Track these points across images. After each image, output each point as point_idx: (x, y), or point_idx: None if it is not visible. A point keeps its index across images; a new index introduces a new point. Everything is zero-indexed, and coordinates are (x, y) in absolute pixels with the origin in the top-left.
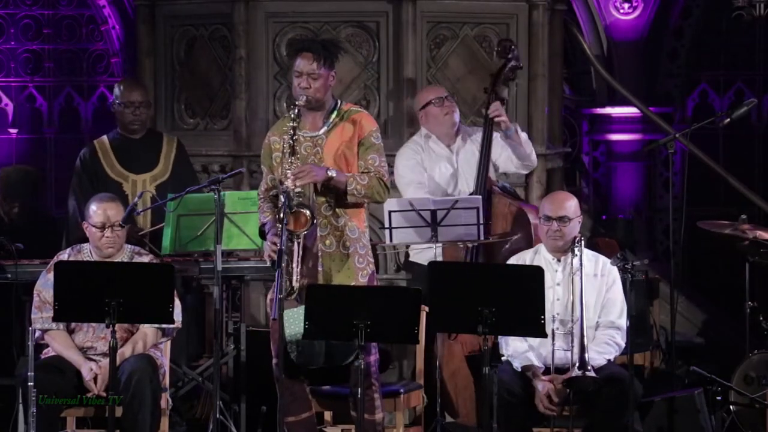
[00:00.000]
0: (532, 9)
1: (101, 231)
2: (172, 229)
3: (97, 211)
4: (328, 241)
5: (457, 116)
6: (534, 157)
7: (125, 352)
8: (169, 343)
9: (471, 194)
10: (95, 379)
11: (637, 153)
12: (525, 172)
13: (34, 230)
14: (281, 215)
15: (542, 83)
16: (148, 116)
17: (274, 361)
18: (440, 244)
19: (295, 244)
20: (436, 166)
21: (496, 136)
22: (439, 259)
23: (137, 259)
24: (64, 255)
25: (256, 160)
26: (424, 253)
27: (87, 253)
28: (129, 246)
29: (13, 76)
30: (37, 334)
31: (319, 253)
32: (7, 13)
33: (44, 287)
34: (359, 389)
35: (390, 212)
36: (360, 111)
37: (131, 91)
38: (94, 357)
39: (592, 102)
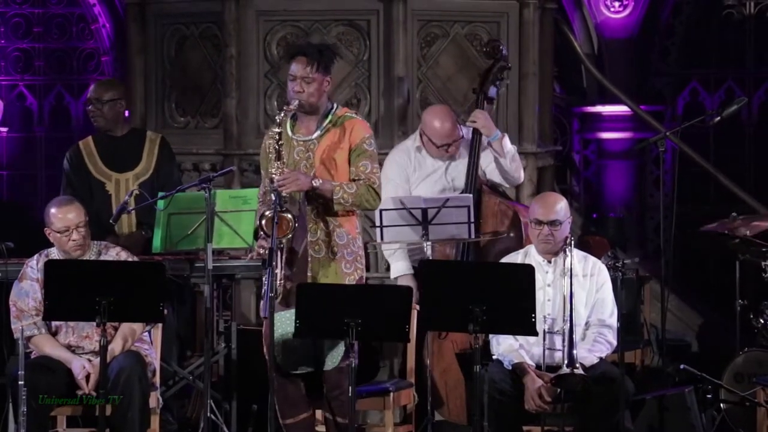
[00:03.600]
0: (522, 7)
1: (66, 235)
2: (163, 227)
3: (57, 215)
4: (317, 247)
5: (457, 155)
6: (518, 174)
7: (114, 348)
8: (159, 341)
9: (461, 193)
10: (87, 377)
11: (628, 151)
12: (506, 185)
13: (8, 223)
14: (263, 216)
15: (533, 81)
16: (114, 114)
17: (268, 365)
18: (428, 243)
19: (277, 248)
20: (423, 179)
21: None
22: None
23: (104, 255)
24: (33, 262)
25: (246, 159)
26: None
27: (54, 257)
28: (95, 243)
29: (3, 74)
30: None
31: (309, 258)
32: None
33: (18, 296)
34: (350, 388)
35: (381, 211)
36: (354, 117)
37: (98, 87)
38: (82, 356)
39: (582, 100)
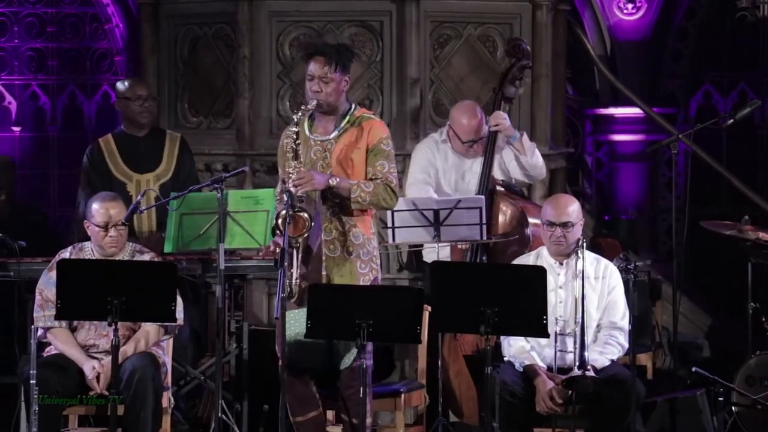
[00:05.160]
0: (535, 9)
1: (105, 230)
2: (175, 227)
3: (99, 210)
4: (332, 246)
5: (479, 154)
6: (539, 171)
7: (127, 350)
8: (171, 341)
9: (475, 194)
10: (98, 377)
11: (640, 153)
12: (529, 182)
13: (20, 223)
14: (279, 216)
15: (545, 83)
16: (155, 110)
17: (280, 363)
18: (448, 244)
19: (294, 248)
20: (446, 168)
21: (502, 140)
22: (448, 258)
23: (138, 257)
24: (66, 253)
25: (259, 159)
26: (435, 254)
27: (89, 251)
28: (130, 244)
29: (16, 74)
30: (40, 332)
31: (323, 257)
32: (11, 11)
33: (46, 285)
34: (362, 388)
35: (393, 212)
36: (372, 118)
37: (138, 85)
38: (96, 355)
39: (595, 102)
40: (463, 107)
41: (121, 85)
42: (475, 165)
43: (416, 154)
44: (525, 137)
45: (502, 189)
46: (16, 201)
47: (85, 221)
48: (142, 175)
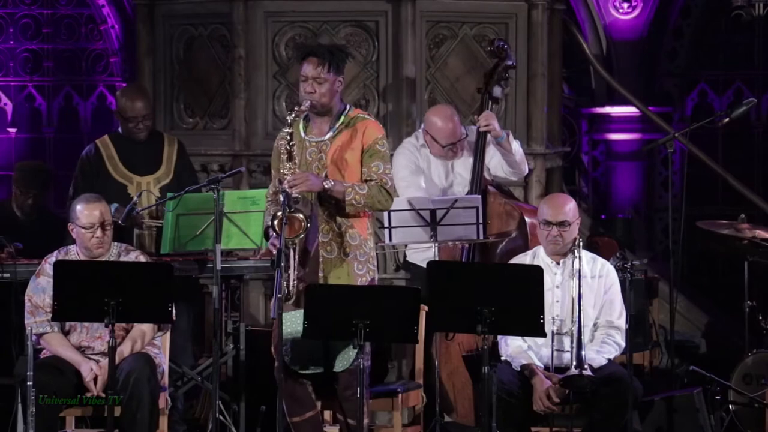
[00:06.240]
0: (531, 8)
1: (91, 232)
2: (171, 228)
3: (84, 212)
4: (329, 248)
5: (459, 155)
6: (524, 168)
7: (124, 350)
8: (168, 342)
9: (467, 194)
10: (95, 379)
11: (637, 152)
12: (514, 179)
13: (42, 228)
14: (275, 217)
15: (541, 83)
16: (152, 122)
17: (276, 364)
18: (436, 244)
19: (291, 249)
20: (431, 169)
21: (491, 140)
22: (434, 258)
23: (124, 257)
24: (52, 258)
25: (255, 160)
26: (420, 254)
27: (74, 254)
28: (116, 244)
29: (12, 75)
30: (33, 338)
31: (321, 259)
32: (7, 13)
33: (34, 292)
34: (359, 389)
35: (390, 212)
36: (367, 118)
37: (134, 103)
38: (92, 357)
39: (591, 101)
40: (438, 111)
41: (121, 99)
42: (457, 166)
43: (399, 159)
44: (511, 136)
45: (494, 189)
46: (42, 206)
47: (69, 224)
48: (142, 177)
